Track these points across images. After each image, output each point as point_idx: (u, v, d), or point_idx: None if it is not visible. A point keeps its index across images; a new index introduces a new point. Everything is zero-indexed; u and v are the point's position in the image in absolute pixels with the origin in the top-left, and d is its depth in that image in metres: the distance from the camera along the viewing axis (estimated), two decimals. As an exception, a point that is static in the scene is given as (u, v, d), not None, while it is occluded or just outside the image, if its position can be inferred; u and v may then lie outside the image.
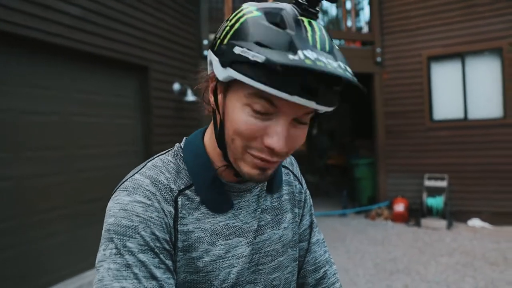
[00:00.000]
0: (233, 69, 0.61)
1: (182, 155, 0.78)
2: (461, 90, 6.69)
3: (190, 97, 5.74)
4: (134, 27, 4.86)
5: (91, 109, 4.35)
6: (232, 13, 0.70)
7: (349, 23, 8.58)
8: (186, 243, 0.71)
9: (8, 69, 3.50)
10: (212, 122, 0.77)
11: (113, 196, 0.70)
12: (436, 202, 6.47)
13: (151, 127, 5.17)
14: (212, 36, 6.58)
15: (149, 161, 0.76)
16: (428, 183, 6.75)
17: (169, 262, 0.68)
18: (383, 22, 7.32)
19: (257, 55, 0.57)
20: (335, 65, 0.57)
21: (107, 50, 4.41)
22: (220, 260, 0.73)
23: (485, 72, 6.54)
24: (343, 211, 7.46)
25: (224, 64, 0.63)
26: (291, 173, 0.93)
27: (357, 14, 10.10)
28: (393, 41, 7.24)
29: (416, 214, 6.62)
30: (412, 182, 7.02)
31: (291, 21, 0.62)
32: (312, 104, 0.60)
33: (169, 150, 0.80)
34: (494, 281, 4.03)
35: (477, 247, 5.18)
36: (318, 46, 0.61)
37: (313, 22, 0.64)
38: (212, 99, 0.72)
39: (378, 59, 7.26)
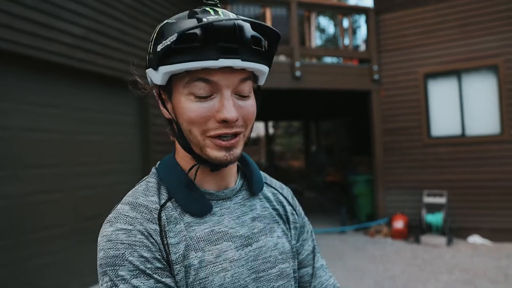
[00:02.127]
0: (162, 65, 0.68)
1: (157, 173, 0.81)
2: (458, 106, 6.74)
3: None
4: (134, 46, 4.91)
5: (90, 127, 4.37)
6: None
7: (346, 41, 8.70)
8: (178, 254, 0.71)
9: (7, 87, 3.53)
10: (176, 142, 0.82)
11: (100, 230, 0.72)
12: (436, 218, 6.44)
13: (149, 145, 5.18)
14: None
15: (132, 190, 0.79)
16: (427, 199, 6.73)
17: (166, 280, 0.68)
18: (380, 40, 7.42)
19: (171, 37, 0.64)
20: (234, 17, 0.67)
21: (108, 68, 4.45)
22: (212, 265, 0.73)
23: (481, 89, 6.60)
24: (342, 228, 7.41)
25: (155, 68, 0.70)
26: (279, 193, 0.95)
27: (354, 33, 10.24)
28: (390, 59, 7.32)
29: (415, 230, 6.58)
30: (411, 198, 7.00)
31: (199, 12, 0.70)
32: (237, 62, 0.66)
33: (148, 175, 0.83)
34: (495, 299, 3.99)
35: (477, 264, 5.14)
36: (221, 15, 0.69)
37: (216, 8, 0.72)
38: (164, 110, 0.77)
39: (376, 76, 7.33)
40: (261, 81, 0.79)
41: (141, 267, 0.66)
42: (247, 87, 0.72)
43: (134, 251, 0.66)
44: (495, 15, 6.41)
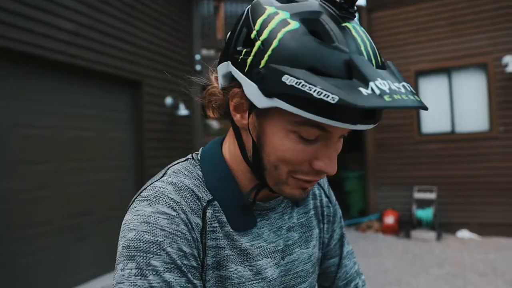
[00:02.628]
0: (284, 99, 0.52)
1: (199, 166, 0.69)
2: (448, 104, 6.85)
3: (183, 111, 5.79)
4: (128, 42, 4.91)
5: (83, 123, 4.36)
6: (244, 18, 0.60)
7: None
8: (215, 259, 0.64)
9: (0, 83, 3.50)
10: (230, 134, 0.70)
11: (132, 207, 0.62)
12: (426, 214, 6.56)
13: (143, 141, 5.19)
14: (204, 52, 6.68)
15: (169, 167, 0.69)
16: (417, 195, 6.84)
17: (197, 282, 0.60)
18: (373, 38, 7.36)
19: (324, 92, 0.48)
20: (403, 91, 0.50)
21: (101, 64, 4.45)
22: (249, 283, 0.67)
23: (471, 87, 6.71)
24: (334, 224, 7.49)
25: (268, 94, 0.54)
26: (316, 185, 0.85)
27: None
28: (383, 57, 7.37)
29: (406, 226, 6.69)
30: (401, 194, 7.11)
31: (336, 30, 0.53)
32: (371, 126, 0.55)
33: (186, 159, 0.71)
34: (483, 291, 4.10)
35: (466, 258, 5.25)
36: (373, 61, 0.54)
37: (356, 27, 0.56)
38: (237, 116, 0.63)
39: (367, 73, 7.38)
40: None
41: (178, 261, 0.58)
42: None
43: (174, 242, 0.58)
44: (485, 13, 6.51)
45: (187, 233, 0.60)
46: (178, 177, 0.65)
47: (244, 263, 0.67)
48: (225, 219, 0.66)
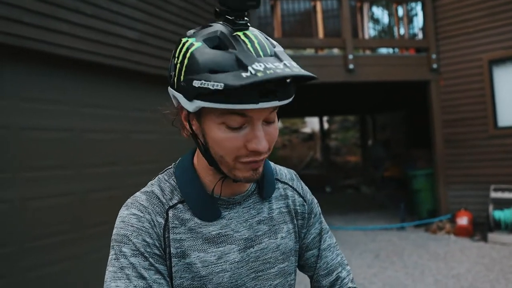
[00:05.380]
0: (199, 99, 0.69)
1: (175, 178, 0.87)
2: (528, 94, 6.23)
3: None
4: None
5: (147, 127, 4.52)
6: (180, 49, 0.75)
7: (402, 31, 8.35)
8: (179, 249, 0.80)
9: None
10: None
11: (120, 211, 0.83)
12: (505, 215, 6.01)
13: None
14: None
15: (151, 181, 0.89)
16: (494, 194, 6.30)
17: (159, 266, 0.78)
18: (438, 27, 7.04)
19: (215, 84, 0.64)
20: (281, 66, 0.65)
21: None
22: (213, 266, 0.82)
23: (555, 74, 6.05)
24: (401, 225, 7.15)
25: (189, 98, 0.70)
26: (289, 187, 1.00)
27: (410, 21, 9.81)
28: (449, 46, 6.92)
29: (481, 228, 6.19)
30: (476, 194, 6.59)
31: (229, 40, 0.70)
32: (275, 103, 0.69)
33: (167, 169, 0.91)
34: None
35: (553, 264, 4.74)
36: (261, 53, 0.69)
37: (247, 32, 0.72)
38: (187, 126, 0.80)
39: (434, 65, 6.97)
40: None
41: (141, 249, 0.77)
42: (274, 114, 0.76)
43: (139, 235, 0.77)
44: None
45: (150, 229, 0.79)
46: (152, 188, 0.85)
47: (207, 250, 0.82)
48: (188, 217, 0.82)
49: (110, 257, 0.78)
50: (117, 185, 4.12)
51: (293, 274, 0.97)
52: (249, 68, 0.64)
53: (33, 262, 3.33)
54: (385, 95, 9.90)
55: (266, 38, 0.74)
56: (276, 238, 0.91)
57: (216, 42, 0.71)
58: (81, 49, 3.67)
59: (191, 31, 0.78)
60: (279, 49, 0.73)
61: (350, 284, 1.03)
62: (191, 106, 0.71)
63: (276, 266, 0.90)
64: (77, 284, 3.66)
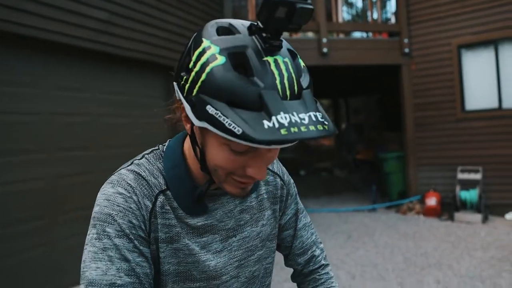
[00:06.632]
0: (209, 123, 0.62)
1: (162, 159, 0.84)
2: (494, 78, 6.42)
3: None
4: (158, 28, 4.94)
5: (119, 110, 4.45)
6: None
7: (375, 15, 8.41)
8: (168, 235, 0.79)
9: (35, 72, 3.62)
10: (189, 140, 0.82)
11: (102, 187, 0.78)
12: (470, 195, 6.25)
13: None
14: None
15: (136, 159, 0.84)
16: (461, 175, 6.53)
17: (143, 249, 0.76)
18: (410, 12, 7.13)
19: (232, 125, 0.58)
20: (306, 121, 0.60)
21: (133, 51, 4.51)
22: (197, 255, 0.81)
23: (520, 59, 6.25)
24: (373, 206, 7.33)
25: (198, 117, 0.63)
26: (270, 172, 0.98)
27: (383, 6, 9.89)
28: (421, 31, 7.03)
29: (449, 208, 6.43)
30: (444, 175, 6.82)
31: (257, 64, 0.62)
32: (286, 145, 0.64)
33: (154, 150, 0.86)
34: (532, 276, 3.87)
35: (514, 241, 4.98)
36: (288, 93, 0.62)
37: (278, 59, 0.64)
38: (187, 126, 0.75)
39: (406, 50, 7.08)
40: None
41: (127, 231, 0.74)
42: None
43: (125, 216, 0.74)
44: (536, -22, 6.01)
45: (136, 211, 0.75)
46: (140, 168, 0.81)
47: (192, 239, 0.81)
48: (176, 205, 0.80)
49: (90, 236, 0.73)
50: (91, 170, 4.05)
51: (269, 258, 0.97)
52: (273, 118, 0.58)
53: (8, 248, 3.29)
54: (358, 79, 10.02)
55: (295, 66, 0.66)
56: (257, 226, 0.92)
57: (241, 61, 0.63)
58: (48, 30, 3.56)
59: (214, 29, 0.68)
60: (305, 82, 0.66)
61: (323, 262, 1.07)
62: (198, 123, 0.64)
63: (255, 253, 0.91)
64: (54, 269, 3.62)
